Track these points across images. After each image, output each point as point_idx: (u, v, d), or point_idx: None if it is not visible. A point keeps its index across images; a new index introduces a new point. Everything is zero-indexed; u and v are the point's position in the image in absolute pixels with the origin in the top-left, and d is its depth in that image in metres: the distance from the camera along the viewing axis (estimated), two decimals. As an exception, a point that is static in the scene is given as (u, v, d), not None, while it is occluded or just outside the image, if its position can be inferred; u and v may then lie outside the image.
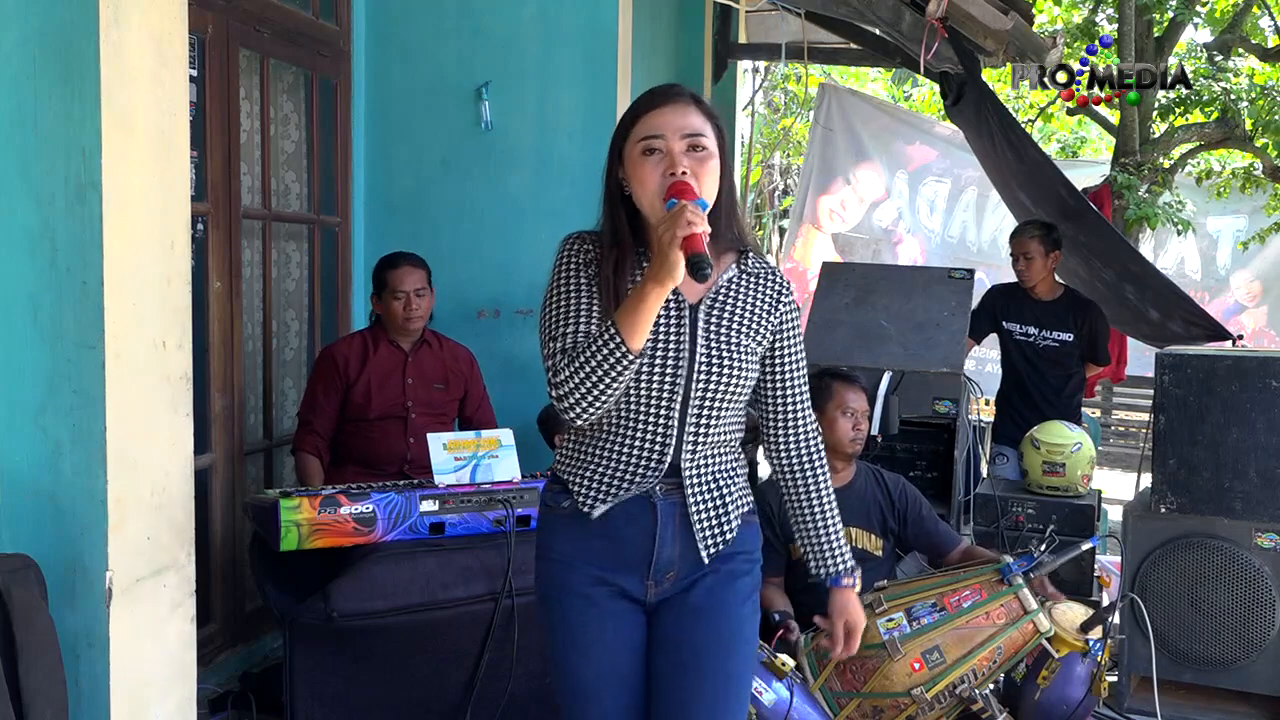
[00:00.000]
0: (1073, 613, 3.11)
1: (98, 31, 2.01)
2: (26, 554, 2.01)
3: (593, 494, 1.91)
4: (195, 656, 2.36)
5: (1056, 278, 4.66)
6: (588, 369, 1.78)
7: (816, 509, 2.06)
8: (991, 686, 2.95)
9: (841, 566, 2.06)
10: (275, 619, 3.31)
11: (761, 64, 9.93)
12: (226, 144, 3.51)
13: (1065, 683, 3.10)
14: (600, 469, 1.91)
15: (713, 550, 1.93)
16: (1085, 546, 3.26)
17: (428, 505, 2.85)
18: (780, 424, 2.04)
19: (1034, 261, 4.52)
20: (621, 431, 1.90)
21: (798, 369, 2.03)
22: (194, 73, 3.26)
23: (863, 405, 3.39)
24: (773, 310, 1.97)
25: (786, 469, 2.06)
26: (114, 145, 2.05)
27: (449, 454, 2.98)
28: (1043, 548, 3.06)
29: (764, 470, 5.16)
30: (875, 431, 3.68)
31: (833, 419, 3.32)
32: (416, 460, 3.46)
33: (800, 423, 2.05)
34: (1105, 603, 3.57)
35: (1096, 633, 3.04)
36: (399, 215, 4.23)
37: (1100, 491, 4.18)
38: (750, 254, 1.99)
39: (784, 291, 2.00)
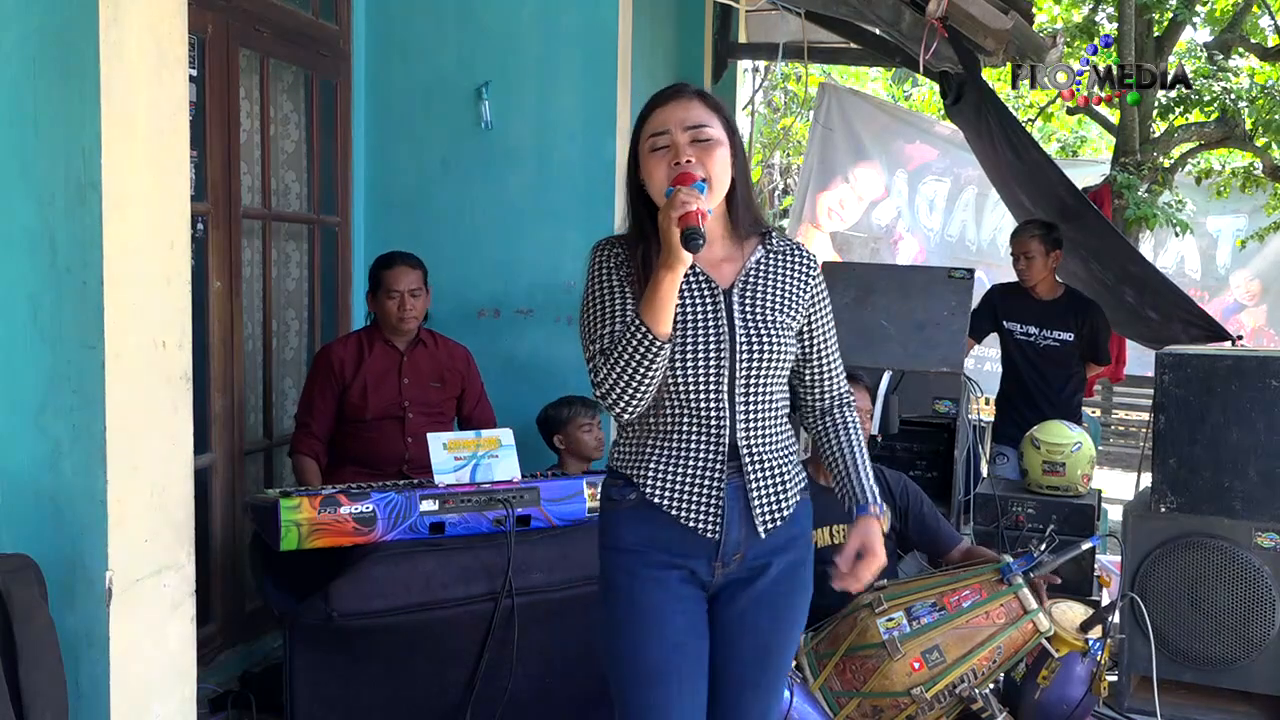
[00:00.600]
0: (1072, 612, 3.11)
1: (98, 31, 2.01)
2: (26, 554, 2.01)
3: (662, 482, 1.97)
4: (195, 656, 2.36)
5: (1057, 278, 4.66)
6: (622, 363, 1.87)
7: (847, 448, 2.11)
8: (991, 686, 2.95)
9: (868, 497, 2.08)
10: (275, 619, 3.31)
11: (761, 64, 9.92)
12: (226, 144, 3.51)
13: (1065, 682, 3.10)
14: (666, 457, 1.98)
15: (770, 525, 2.00)
16: (1085, 546, 3.27)
17: (428, 505, 2.85)
18: (819, 389, 2.14)
19: (1035, 261, 4.52)
20: (678, 421, 1.97)
21: (831, 339, 2.12)
22: (194, 73, 3.26)
23: (866, 404, 3.40)
24: (805, 285, 2.07)
25: (825, 424, 2.15)
26: (114, 145, 2.05)
27: (449, 454, 2.98)
28: (1043, 547, 3.06)
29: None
30: (875, 431, 3.69)
31: None
32: (415, 460, 3.46)
33: (837, 386, 2.15)
34: (1105, 602, 3.57)
35: (1096, 632, 3.05)
36: (399, 215, 4.23)
37: (1100, 491, 4.18)
38: (773, 234, 2.09)
39: (812, 265, 2.10)
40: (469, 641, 2.85)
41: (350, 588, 2.72)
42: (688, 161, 1.91)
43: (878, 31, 5.94)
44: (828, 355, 2.12)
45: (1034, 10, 6.48)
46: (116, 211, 2.06)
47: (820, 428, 2.15)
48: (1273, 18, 7.70)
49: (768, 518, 2.00)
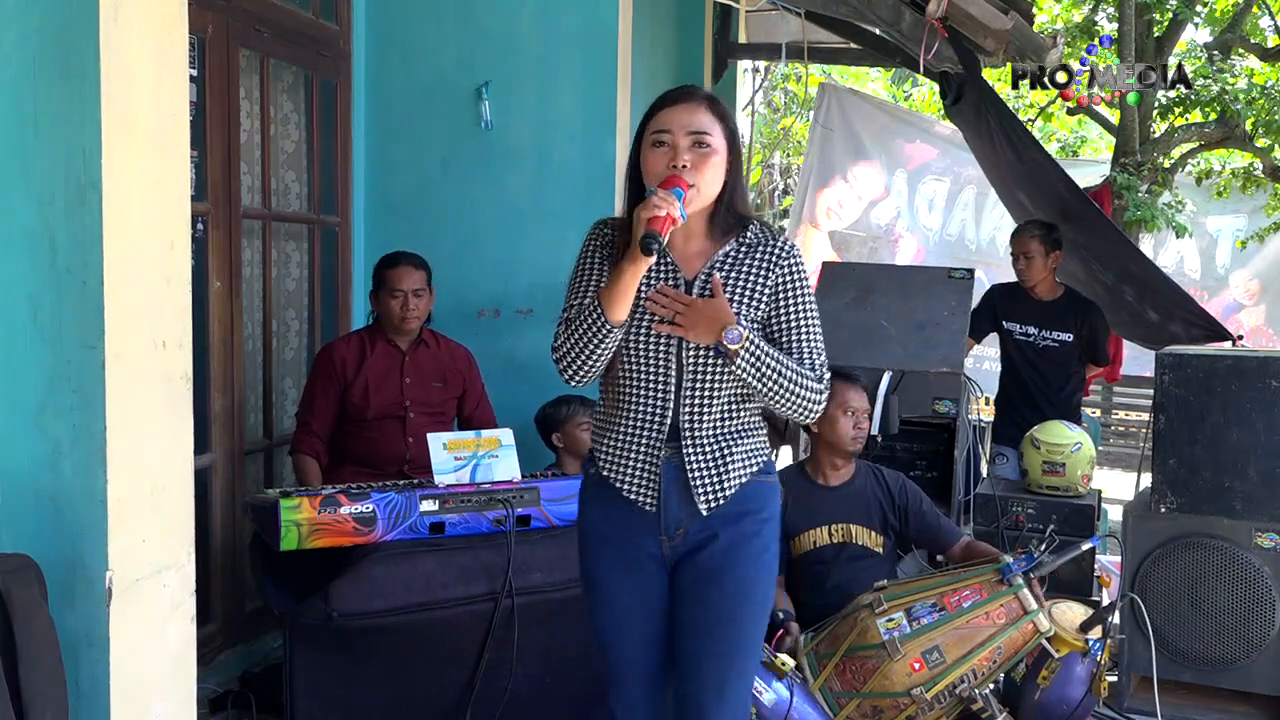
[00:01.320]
0: (1072, 612, 3.11)
1: (98, 31, 2.01)
2: (26, 554, 2.01)
3: (609, 459, 2.14)
4: (195, 656, 2.36)
5: (1056, 278, 4.66)
6: (576, 336, 2.05)
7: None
8: (991, 686, 2.95)
9: (742, 330, 2.02)
10: (275, 619, 3.31)
11: (761, 64, 9.92)
12: (226, 144, 3.51)
13: (1065, 683, 3.10)
14: (614, 435, 2.14)
15: (710, 504, 2.10)
16: (1085, 546, 3.26)
17: (428, 505, 2.85)
18: None
19: (1034, 261, 4.52)
20: (628, 400, 2.12)
21: (804, 327, 2.11)
22: (194, 73, 3.26)
23: (864, 404, 3.40)
24: (768, 273, 2.11)
25: None
26: (114, 145, 2.05)
27: (449, 454, 2.98)
28: (1043, 548, 3.06)
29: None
30: (875, 431, 3.69)
31: (833, 418, 3.33)
32: (416, 460, 3.46)
33: (812, 370, 2.09)
34: (1105, 603, 3.57)
35: (1096, 633, 3.05)
36: (399, 215, 4.23)
37: (1100, 491, 4.18)
38: (752, 226, 2.14)
39: (782, 253, 2.12)
40: (469, 641, 2.85)
41: (350, 588, 2.72)
42: (683, 166, 2.02)
43: (878, 32, 5.94)
44: (799, 342, 2.10)
45: (1034, 11, 6.47)
46: (116, 211, 2.06)
47: None
48: (1273, 18, 7.70)
49: (708, 497, 2.10)
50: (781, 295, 2.11)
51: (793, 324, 2.12)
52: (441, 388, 3.63)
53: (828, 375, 2.13)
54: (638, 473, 2.12)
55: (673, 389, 2.09)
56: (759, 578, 2.15)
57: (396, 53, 4.20)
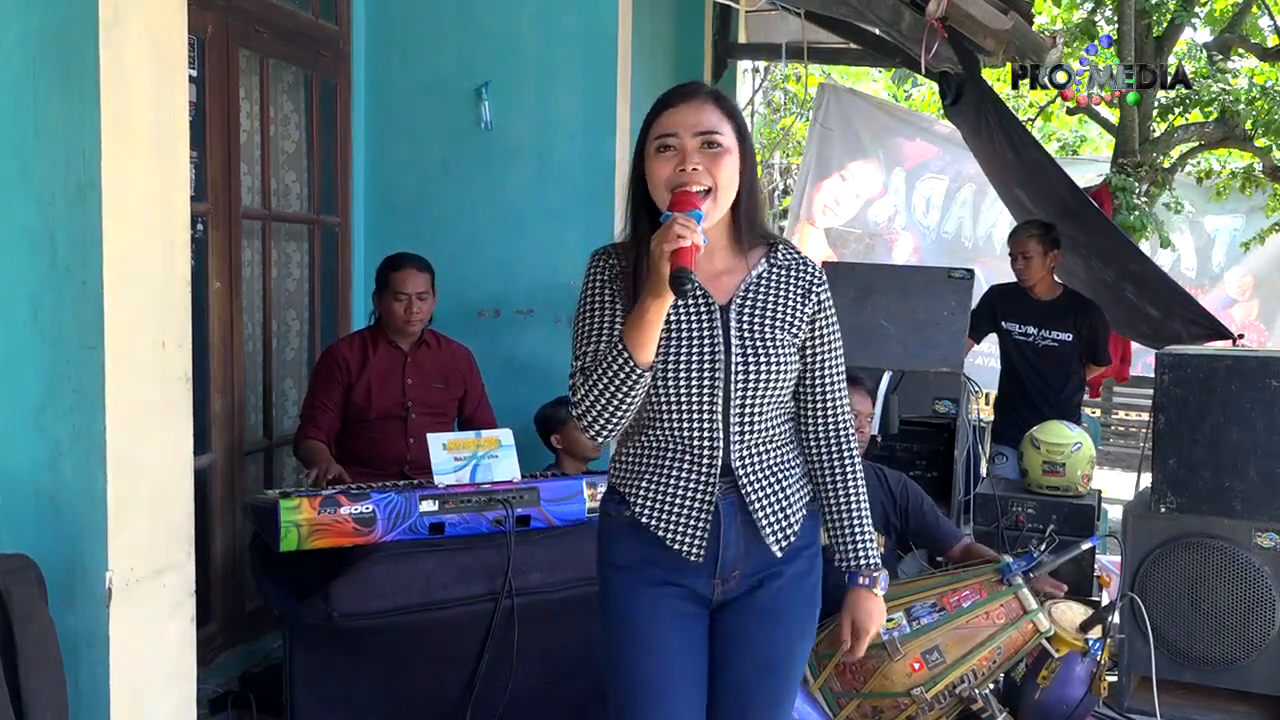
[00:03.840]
0: (1072, 612, 3.11)
1: (97, 31, 2.01)
2: (26, 554, 2.01)
3: (651, 504, 1.92)
4: (195, 656, 2.36)
5: (1055, 278, 4.66)
6: (600, 386, 1.81)
7: (846, 503, 2.01)
8: (991, 686, 2.95)
9: (860, 563, 2.01)
10: (275, 619, 3.31)
11: (761, 64, 9.92)
12: (226, 144, 3.51)
13: (1065, 682, 3.10)
14: (655, 478, 1.92)
15: (783, 544, 1.94)
16: (1085, 546, 3.27)
17: (427, 505, 2.85)
18: (816, 415, 2.01)
19: (1033, 261, 4.52)
20: (670, 440, 1.91)
21: (834, 359, 2.00)
22: (194, 73, 3.26)
23: (867, 406, 3.39)
24: (805, 300, 1.96)
25: (820, 460, 2.02)
26: (114, 145, 2.05)
27: (449, 454, 2.98)
28: (1043, 547, 3.06)
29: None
30: (875, 431, 3.69)
31: None
32: (416, 460, 3.46)
33: (836, 414, 2.01)
34: (1105, 602, 3.57)
35: (1096, 632, 3.05)
36: (399, 215, 4.23)
37: (1100, 491, 4.18)
38: (780, 246, 1.99)
39: (816, 281, 1.99)
40: (469, 641, 2.85)
41: (350, 588, 2.72)
42: (694, 169, 1.82)
43: (878, 32, 5.94)
44: (829, 376, 2.00)
45: (1034, 11, 6.48)
46: (116, 211, 2.06)
47: (818, 463, 2.02)
48: (1272, 18, 7.70)
49: (777, 535, 1.93)
50: (819, 327, 1.97)
51: (828, 358, 1.99)
52: (443, 388, 3.63)
53: (850, 418, 2.05)
54: (688, 520, 1.90)
55: (719, 422, 1.89)
56: (810, 618, 2.04)
57: (396, 53, 4.19)
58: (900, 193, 8.54)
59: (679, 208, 1.78)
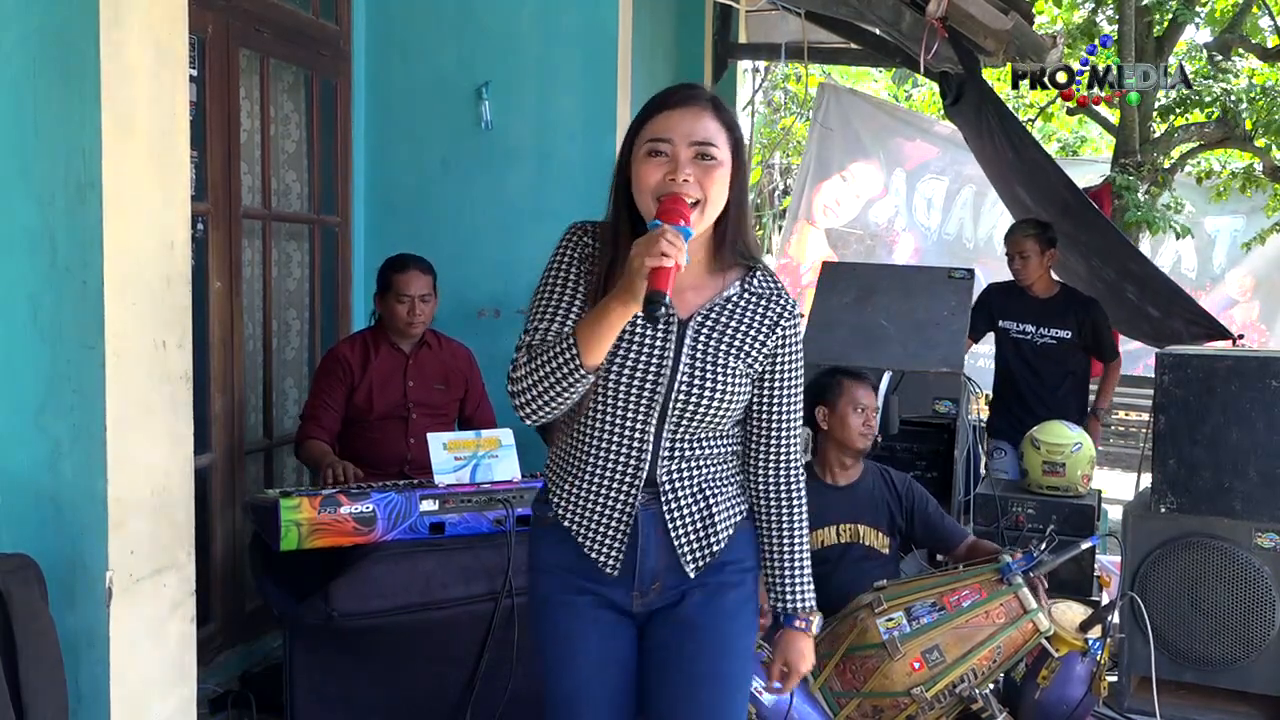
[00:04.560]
0: (1072, 612, 3.11)
1: (98, 31, 2.01)
2: (26, 554, 2.01)
3: (571, 506, 1.86)
4: (195, 656, 2.36)
5: (1052, 275, 4.65)
6: (541, 373, 1.74)
7: (788, 546, 1.95)
8: (991, 686, 2.95)
9: (796, 606, 1.96)
10: (275, 619, 3.31)
11: (761, 64, 9.93)
12: (226, 144, 3.51)
13: (1065, 682, 3.10)
14: (577, 481, 1.86)
15: (700, 564, 1.87)
16: (1085, 546, 3.26)
17: (428, 505, 2.85)
18: (764, 448, 1.93)
19: (1030, 260, 4.52)
20: (597, 444, 1.84)
21: (791, 398, 1.91)
22: (194, 73, 3.26)
23: (873, 402, 3.40)
24: (770, 334, 1.87)
25: (764, 498, 1.95)
26: (114, 145, 2.05)
27: (449, 454, 2.98)
28: (1043, 547, 3.06)
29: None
30: (876, 432, 3.69)
31: (843, 415, 3.33)
32: (416, 461, 3.46)
33: (785, 450, 1.93)
34: (1105, 603, 3.57)
35: (1096, 632, 3.04)
36: (399, 215, 4.23)
37: (1100, 491, 4.18)
38: (759, 272, 1.90)
39: (786, 315, 1.88)
40: (469, 641, 2.85)
41: (350, 588, 2.72)
42: (684, 180, 1.72)
43: (878, 32, 5.95)
44: (784, 414, 1.90)
45: (1034, 11, 6.48)
46: (116, 211, 2.06)
47: (762, 500, 1.95)
48: (1273, 18, 7.69)
49: (694, 555, 1.86)
50: (780, 362, 1.88)
51: (784, 393, 1.90)
52: (444, 390, 3.63)
53: (800, 458, 1.97)
54: (604, 529, 1.84)
55: (650, 435, 1.82)
56: (741, 632, 1.93)
57: (396, 53, 4.19)
58: (901, 193, 8.55)
59: (668, 218, 1.68)
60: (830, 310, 4.12)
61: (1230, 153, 9.06)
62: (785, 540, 1.95)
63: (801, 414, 1.95)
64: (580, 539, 1.86)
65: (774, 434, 1.91)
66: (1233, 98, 6.89)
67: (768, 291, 1.89)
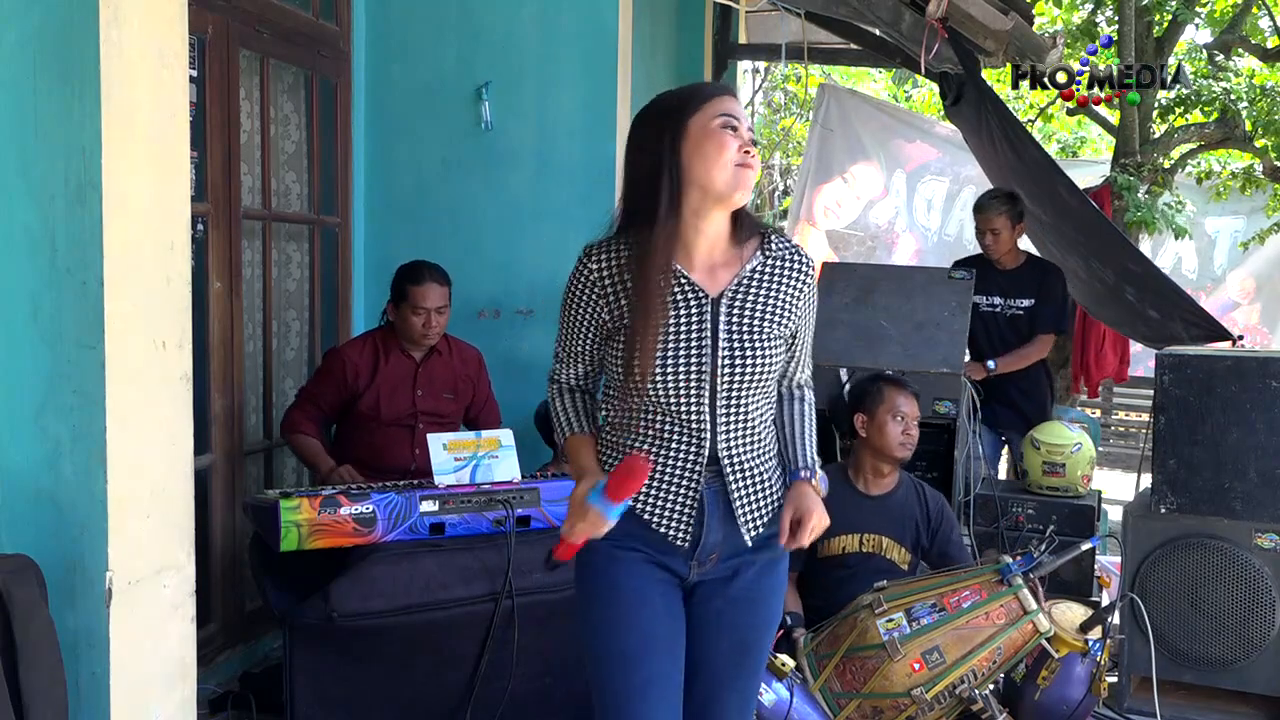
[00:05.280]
0: (1072, 613, 3.11)
1: (98, 31, 2.01)
2: (26, 554, 2.01)
3: (640, 491, 1.94)
4: (195, 656, 2.36)
5: (1019, 247, 4.67)
6: (553, 415, 2.08)
7: (799, 421, 2.11)
8: (991, 687, 2.95)
9: (801, 464, 2.08)
10: (275, 619, 3.31)
11: (761, 64, 9.92)
12: (226, 144, 3.51)
13: (1065, 683, 3.10)
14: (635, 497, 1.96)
15: (755, 533, 1.99)
16: (1085, 546, 3.26)
17: (428, 505, 2.85)
18: (788, 372, 2.11)
19: (1001, 235, 4.56)
20: (657, 429, 1.95)
21: (808, 337, 2.10)
22: (194, 73, 3.26)
23: (914, 410, 3.36)
24: (799, 294, 2.02)
25: (781, 398, 2.12)
26: (114, 145, 2.05)
27: (449, 454, 2.98)
28: (1043, 548, 3.06)
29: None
30: (915, 441, 3.67)
31: (882, 423, 3.31)
32: (421, 469, 3.44)
33: (803, 371, 2.13)
34: (1105, 603, 3.57)
35: (1096, 633, 3.04)
36: (399, 215, 4.23)
37: (1100, 491, 4.18)
38: (774, 237, 2.03)
39: (808, 273, 2.04)
40: (469, 642, 2.85)
41: (350, 588, 2.72)
42: (753, 156, 1.91)
43: (878, 32, 5.94)
44: (800, 350, 2.10)
45: (1034, 11, 6.47)
46: (116, 211, 2.06)
47: (783, 398, 2.14)
48: (1273, 18, 7.68)
49: (752, 523, 1.99)
50: (808, 311, 2.06)
51: (805, 337, 2.09)
52: (452, 399, 3.63)
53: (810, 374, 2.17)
54: (675, 507, 1.96)
55: (707, 414, 1.93)
56: (779, 601, 2.12)
57: (396, 53, 4.20)
58: (901, 194, 8.54)
59: (616, 494, 1.85)
60: (830, 310, 4.11)
61: (1230, 153, 9.05)
62: (798, 417, 2.11)
63: (810, 349, 2.13)
64: (649, 518, 1.96)
65: (800, 365, 2.11)
66: (1232, 97, 6.88)
67: (786, 253, 2.02)
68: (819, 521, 1.97)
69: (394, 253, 3.70)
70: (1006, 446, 4.79)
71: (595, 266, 1.96)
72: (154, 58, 2.16)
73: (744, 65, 8.84)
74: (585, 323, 1.99)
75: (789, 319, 2.00)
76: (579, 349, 2.02)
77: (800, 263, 2.03)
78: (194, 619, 2.34)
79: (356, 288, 4.25)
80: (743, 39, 7.53)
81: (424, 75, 4.16)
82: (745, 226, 1.99)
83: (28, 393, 2.08)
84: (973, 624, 2.85)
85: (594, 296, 1.96)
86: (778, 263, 2.00)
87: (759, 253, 2.00)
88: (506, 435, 3.09)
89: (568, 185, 4.03)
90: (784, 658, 2.84)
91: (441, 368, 3.60)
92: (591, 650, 2.02)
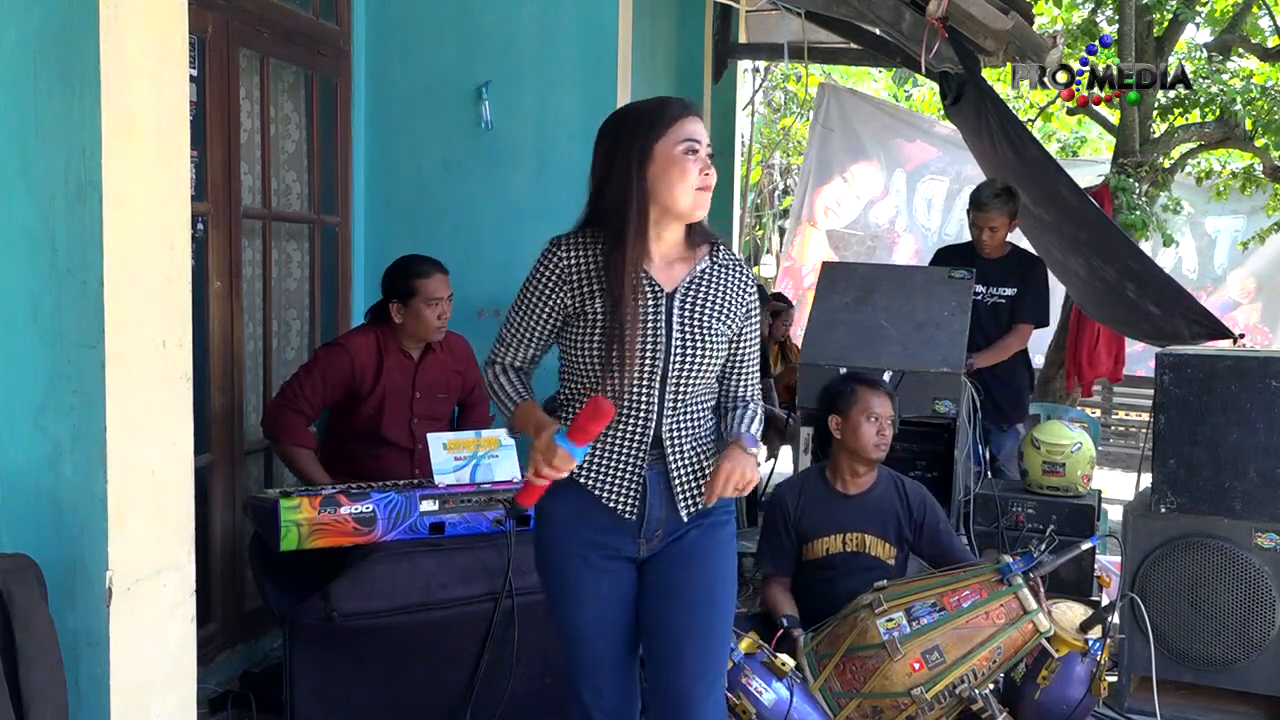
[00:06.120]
0: (1072, 613, 3.11)
1: (98, 31, 2.01)
2: (26, 554, 2.01)
3: (590, 469, 2.15)
4: (195, 656, 2.36)
5: (1021, 245, 4.71)
6: (495, 397, 2.24)
7: (743, 411, 2.27)
8: (991, 686, 2.95)
9: (734, 432, 2.22)
10: (275, 619, 3.31)
11: (761, 64, 9.93)
12: (226, 144, 3.51)
13: (1065, 683, 3.10)
14: (595, 443, 2.12)
15: (691, 510, 2.19)
16: (1085, 546, 3.26)
17: (428, 505, 2.85)
18: (737, 387, 2.29)
19: (998, 233, 4.58)
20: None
21: (753, 352, 2.29)
22: (194, 73, 3.26)
23: (887, 410, 3.35)
24: (741, 299, 2.23)
25: (731, 407, 2.29)
26: (114, 145, 2.05)
27: (449, 454, 2.98)
28: (1043, 548, 3.06)
29: (783, 467, 5.14)
30: (890, 441, 3.67)
31: (856, 424, 3.29)
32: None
33: (750, 385, 2.31)
34: (1105, 603, 3.57)
35: (1096, 633, 3.05)
36: (399, 215, 4.23)
37: (1100, 491, 4.18)
38: (721, 247, 2.26)
39: (749, 282, 2.27)
40: (469, 642, 2.85)
41: (350, 588, 2.72)
42: (710, 176, 2.12)
43: (878, 32, 5.94)
44: (746, 364, 2.28)
45: (1034, 11, 6.46)
46: (116, 211, 2.06)
47: (730, 407, 2.30)
48: (1273, 18, 7.68)
49: (689, 503, 2.18)
50: (748, 320, 2.25)
51: (748, 350, 2.27)
52: (445, 399, 3.64)
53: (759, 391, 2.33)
54: (621, 483, 2.15)
55: (656, 399, 2.13)
56: (727, 561, 2.28)
57: (396, 53, 4.19)
58: (901, 194, 8.55)
59: (579, 438, 2.01)
60: (830, 310, 4.11)
61: (1230, 153, 9.05)
62: (743, 409, 2.28)
63: (758, 359, 2.32)
64: (598, 493, 2.15)
65: (744, 375, 2.29)
66: (1230, 99, 6.87)
67: (732, 263, 2.26)
68: (740, 474, 2.09)
69: (394, 253, 3.69)
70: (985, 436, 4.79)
71: (565, 255, 2.18)
72: (154, 58, 2.16)
73: (744, 65, 8.84)
74: (547, 308, 2.19)
75: (732, 319, 2.20)
76: (532, 333, 2.22)
77: (743, 273, 2.26)
78: (194, 619, 2.34)
79: (356, 288, 4.25)
80: (743, 39, 7.53)
81: (424, 75, 4.15)
82: (698, 234, 2.21)
83: (28, 393, 2.09)
84: (973, 623, 2.85)
85: (560, 283, 2.17)
86: (723, 270, 2.22)
87: (708, 257, 2.21)
88: (506, 435, 3.08)
89: (568, 185, 4.01)
90: (784, 657, 2.84)
91: (436, 366, 3.60)
92: (556, 627, 2.28)
